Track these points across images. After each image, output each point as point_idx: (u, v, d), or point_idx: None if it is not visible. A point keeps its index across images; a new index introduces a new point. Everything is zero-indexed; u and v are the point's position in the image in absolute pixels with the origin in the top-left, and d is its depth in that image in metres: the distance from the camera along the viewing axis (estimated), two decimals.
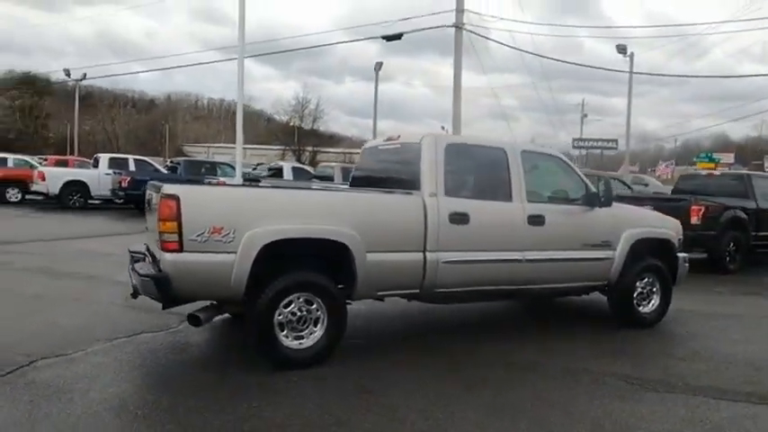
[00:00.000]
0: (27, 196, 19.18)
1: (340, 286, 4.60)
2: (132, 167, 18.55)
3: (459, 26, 17.46)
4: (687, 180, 12.51)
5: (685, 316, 6.62)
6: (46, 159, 23.45)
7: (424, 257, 4.77)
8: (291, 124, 57.64)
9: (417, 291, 4.88)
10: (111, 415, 3.46)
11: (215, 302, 4.39)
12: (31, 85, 62.22)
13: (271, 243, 4.16)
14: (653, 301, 6.07)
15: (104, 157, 18.82)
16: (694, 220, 9.74)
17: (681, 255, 6.24)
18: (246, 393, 3.84)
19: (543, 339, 5.40)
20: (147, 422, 3.38)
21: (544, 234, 5.33)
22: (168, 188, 4.02)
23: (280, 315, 4.28)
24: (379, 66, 27.70)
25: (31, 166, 20.08)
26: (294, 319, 4.33)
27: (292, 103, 57.19)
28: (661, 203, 10.46)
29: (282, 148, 56.22)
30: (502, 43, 18.78)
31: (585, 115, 50.25)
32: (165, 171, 18.77)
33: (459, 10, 17.39)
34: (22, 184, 19.02)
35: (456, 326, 5.90)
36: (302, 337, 4.39)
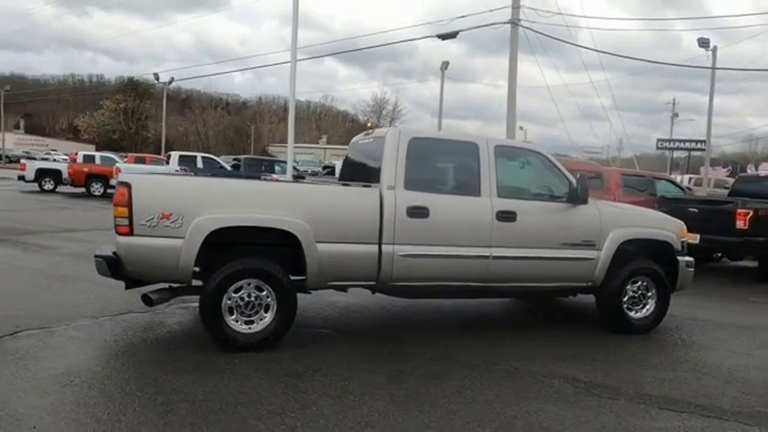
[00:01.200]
0: (108, 190, 20.85)
1: (302, 277, 4.73)
2: (200, 164, 19.71)
3: (515, 22, 17.07)
4: (745, 182, 11.54)
5: (692, 324, 6.21)
6: (126, 156, 25.37)
7: (380, 250, 4.81)
8: (369, 125, 58.55)
9: (374, 283, 4.93)
10: (50, 381, 3.79)
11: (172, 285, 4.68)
12: (133, 89, 67.38)
13: (217, 230, 4.38)
14: (647, 307, 5.73)
15: (175, 155, 20.13)
16: (740, 224, 9.03)
17: (683, 258, 5.83)
18: (184, 371, 4.07)
19: (509, 340, 5.24)
20: (78, 389, 3.68)
21: (515, 231, 5.19)
22: (122, 177, 4.35)
23: (229, 300, 4.49)
24: (445, 65, 27.59)
25: (115, 163, 21.83)
26: (242, 304, 4.52)
27: (370, 104, 58.17)
28: (705, 206, 9.79)
29: None
30: (561, 39, 17.94)
31: (676, 114, 47.27)
32: (229, 168, 19.78)
33: (515, 6, 16.99)
34: (106, 179, 20.73)
35: (435, 322, 5.86)
36: (252, 322, 4.58)
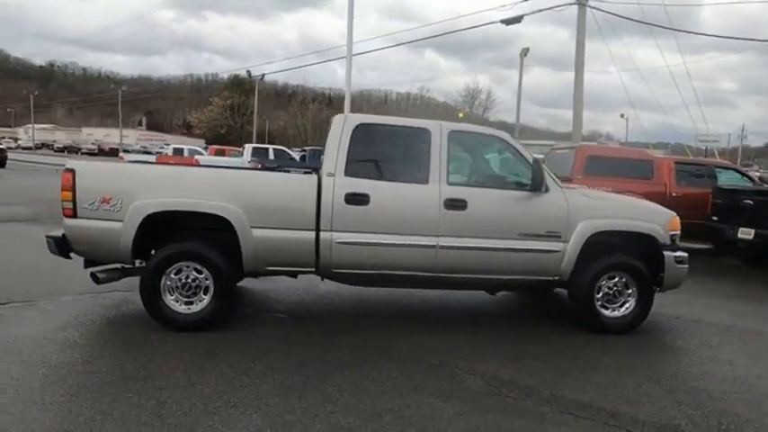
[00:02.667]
0: None
1: None
2: (271, 156, 20.57)
3: (582, 3, 16.10)
4: None
5: (685, 326, 5.65)
6: (206, 149, 27.04)
7: (317, 237, 4.82)
8: (461, 115, 57.80)
9: (313, 269, 4.95)
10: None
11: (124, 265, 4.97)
12: (239, 86, 71.47)
13: (153, 213, 4.61)
14: (626, 305, 5.26)
15: (249, 147, 21.20)
16: None
17: (671, 253, 5.28)
18: (123, 346, 4.35)
19: (462, 334, 5.05)
20: (9, 354, 4.07)
21: (466, 220, 4.97)
22: (68, 163, 4.70)
23: (169, 281, 4.72)
24: (525, 52, 26.54)
25: (199, 155, 23.38)
26: (180, 285, 4.73)
27: (462, 95, 57.41)
28: (761, 198, 8.77)
29: None
30: (626, 18, 16.55)
31: None
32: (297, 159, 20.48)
33: None
34: None
35: (402, 313, 5.77)
36: (192, 303, 4.78)
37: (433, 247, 4.94)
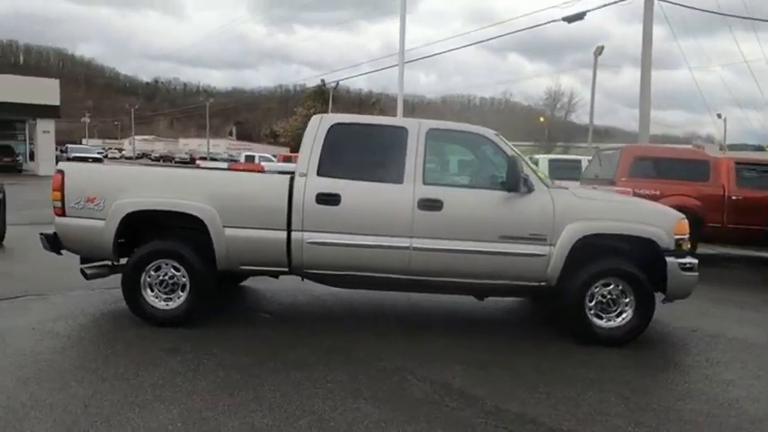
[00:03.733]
0: None
1: None
2: None
3: None
4: None
5: (698, 341, 5.12)
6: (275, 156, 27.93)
7: (288, 237, 4.82)
8: (541, 119, 56.06)
9: (286, 269, 4.95)
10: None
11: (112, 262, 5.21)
12: (321, 95, 73.34)
13: (133, 212, 4.80)
14: (623, 315, 4.84)
15: None
16: None
17: (675, 259, 4.80)
18: (98, 339, 4.59)
19: (433, 340, 4.84)
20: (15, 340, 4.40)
21: (442, 221, 4.78)
22: (60, 165, 5.00)
23: (149, 278, 4.90)
24: (599, 50, 25.29)
25: (271, 162, 24.24)
26: (158, 282, 4.90)
27: (543, 98, 55.72)
28: None
29: (532, 143, 55.20)
30: (696, 8, 15.24)
31: None
32: None
33: None
34: None
35: (387, 316, 5.63)
36: (171, 299, 4.93)
37: (407, 248, 4.79)
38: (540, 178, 4.93)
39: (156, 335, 4.66)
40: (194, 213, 4.78)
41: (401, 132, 4.97)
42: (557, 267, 4.78)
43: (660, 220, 4.88)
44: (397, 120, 5.13)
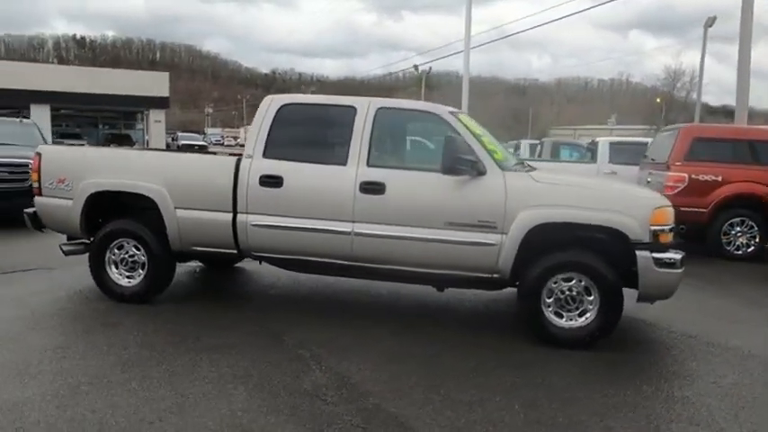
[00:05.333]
0: None
1: None
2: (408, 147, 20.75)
3: None
4: None
5: (683, 349, 4.42)
6: None
7: (234, 219, 4.79)
8: (658, 100, 51.72)
9: (235, 251, 4.93)
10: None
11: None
12: (423, 81, 73.17)
13: (96, 193, 5.02)
14: (587, 315, 4.30)
15: None
16: None
17: (649, 254, 4.15)
18: (66, 308, 4.89)
19: (388, 329, 4.60)
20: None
21: (384, 205, 4.51)
22: (38, 148, 5.34)
23: (113, 255, 5.12)
24: (710, 22, 22.68)
25: None
26: (119, 260, 5.10)
27: (661, 77, 51.31)
28: None
29: (647, 127, 51.12)
30: None
31: None
32: None
33: None
34: None
35: (361, 306, 5.46)
36: (132, 277, 5.12)
37: (348, 233, 4.57)
38: (495, 160, 4.47)
39: (112, 309, 4.87)
40: (146, 194, 4.90)
41: (349, 112, 4.73)
42: (508, 258, 4.33)
43: (631, 208, 4.23)
44: (347, 98, 4.87)
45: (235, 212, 4.79)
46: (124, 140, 32.39)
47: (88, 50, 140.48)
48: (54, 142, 25.43)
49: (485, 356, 4.09)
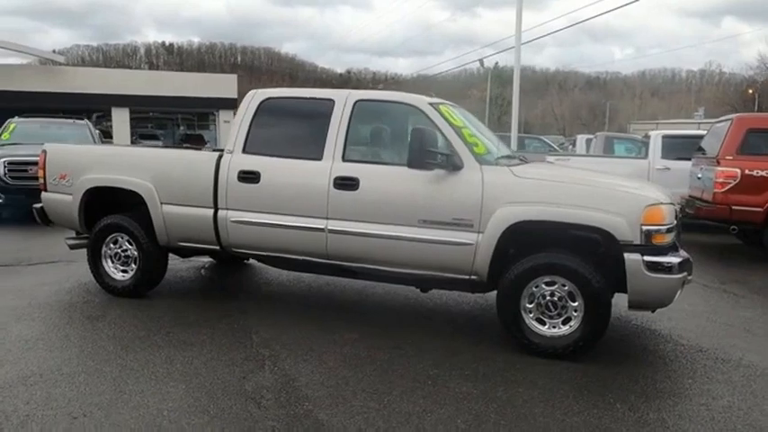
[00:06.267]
0: None
1: None
2: None
3: None
4: None
5: (678, 360, 3.93)
6: None
7: (215, 215, 4.77)
8: (750, 91, 47.79)
9: (217, 247, 4.90)
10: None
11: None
12: (498, 77, 71.59)
13: (91, 188, 5.16)
14: (571, 322, 3.92)
15: None
16: None
17: (638, 256, 3.72)
18: (58, 299, 5.07)
19: (348, 326, 4.42)
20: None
21: (357, 201, 4.32)
22: (44, 145, 5.55)
23: (109, 250, 5.25)
24: None
25: None
26: (113, 254, 5.22)
27: (753, 66, 47.38)
28: None
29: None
30: None
31: None
32: None
33: None
34: None
35: (338, 304, 5.30)
36: (126, 272, 5.23)
37: (322, 230, 4.42)
38: (474, 153, 4.17)
39: (104, 303, 4.99)
40: (134, 189, 4.97)
41: (328, 105, 4.58)
42: (485, 259, 4.03)
43: (619, 206, 3.80)
44: (326, 91, 4.71)
45: (216, 208, 4.77)
46: (197, 140, 33.82)
47: (176, 56, 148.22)
48: (133, 143, 27.05)
49: (451, 364, 3.81)
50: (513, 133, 15.43)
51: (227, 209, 4.72)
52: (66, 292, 5.37)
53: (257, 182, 4.60)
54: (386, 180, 4.30)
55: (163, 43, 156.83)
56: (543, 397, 3.36)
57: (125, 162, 5.18)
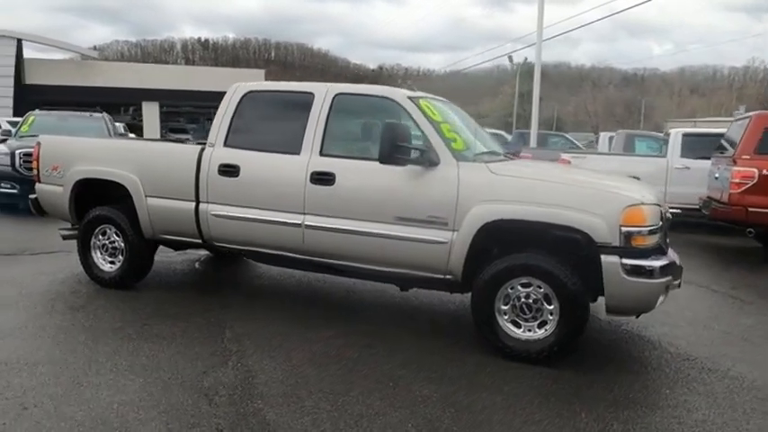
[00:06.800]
0: None
1: None
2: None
3: None
4: None
5: (660, 369, 3.73)
6: None
7: (196, 208, 4.75)
8: None
9: (200, 241, 4.89)
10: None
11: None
12: (528, 73, 70.59)
13: (81, 180, 5.21)
14: (547, 326, 3.77)
15: None
16: None
17: (617, 259, 3.54)
18: (48, 288, 5.15)
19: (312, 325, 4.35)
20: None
21: (333, 197, 4.24)
22: (38, 137, 5.62)
23: (98, 241, 5.29)
24: None
25: None
26: (101, 245, 5.26)
27: None
28: None
29: None
30: None
31: None
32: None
33: None
34: None
35: (319, 300, 5.24)
36: (114, 263, 5.27)
37: (299, 225, 4.36)
38: (451, 149, 4.03)
39: (90, 293, 5.04)
40: (119, 181, 5.00)
41: (307, 98, 4.50)
42: (459, 258, 3.90)
43: (598, 205, 3.62)
44: (307, 84, 4.63)
45: (197, 202, 4.75)
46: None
47: (211, 51, 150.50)
48: (162, 137, 27.59)
49: (420, 365, 3.70)
50: (534, 130, 15.16)
51: (208, 202, 4.69)
52: (60, 282, 5.43)
53: (237, 175, 4.56)
54: (361, 175, 4.20)
55: (199, 39, 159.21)
56: (506, 403, 3.23)
57: (112, 155, 5.20)
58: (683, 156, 9.79)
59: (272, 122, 4.74)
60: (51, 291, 5.13)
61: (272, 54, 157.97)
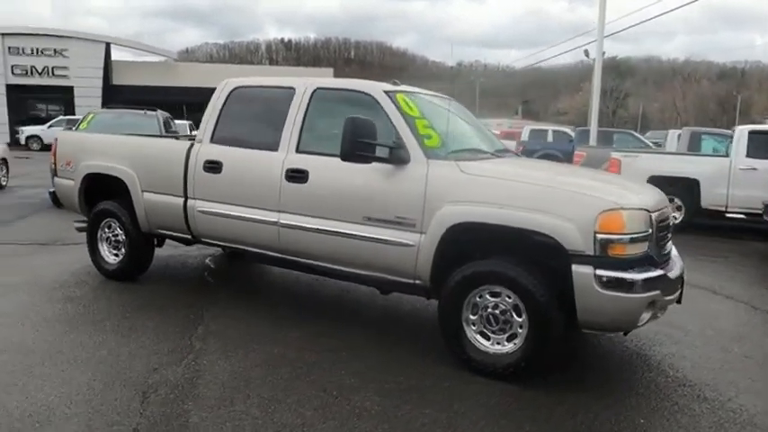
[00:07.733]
0: None
1: None
2: (550, 138, 19.29)
3: None
4: None
5: (645, 389, 3.31)
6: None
7: (185, 204, 4.77)
8: None
9: (189, 236, 4.91)
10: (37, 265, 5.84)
11: None
12: (614, 69, 67.21)
13: (88, 174, 5.39)
14: (516, 339, 3.45)
15: (527, 129, 20.28)
16: None
17: (589, 269, 3.16)
18: (52, 276, 5.38)
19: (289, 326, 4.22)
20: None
21: (306, 195, 4.11)
22: (56, 134, 5.86)
23: (104, 234, 5.46)
24: None
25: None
26: (106, 238, 5.42)
27: None
28: None
29: None
30: None
31: None
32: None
33: None
34: None
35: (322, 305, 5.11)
36: (117, 255, 5.42)
37: (275, 223, 4.26)
38: (423, 146, 3.78)
39: (94, 285, 5.20)
40: (119, 176, 5.12)
41: (288, 94, 4.40)
42: (426, 262, 3.65)
43: (570, 209, 3.25)
44: (289, 80, 4.49)
45: (185, 198, 4.77)
46: None
47: (293, 51, 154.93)
48: None
49: (376, 374, 3.50)
50: (593, 127, 14.35)
51: (195, 198, 4.70)
52: (71, 273, 5.64)
53: (219, 172, 4.53)
54: (332, 173, 4.03)
55: (282, 40, 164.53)
56: (449, 422, 2.97)
57: (114, 150, 5.33)
58: (749, 155, 8.87)
59: (256, 119, 4.67)
60: (58, 280, 5.34)
61: (352, 53, 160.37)
